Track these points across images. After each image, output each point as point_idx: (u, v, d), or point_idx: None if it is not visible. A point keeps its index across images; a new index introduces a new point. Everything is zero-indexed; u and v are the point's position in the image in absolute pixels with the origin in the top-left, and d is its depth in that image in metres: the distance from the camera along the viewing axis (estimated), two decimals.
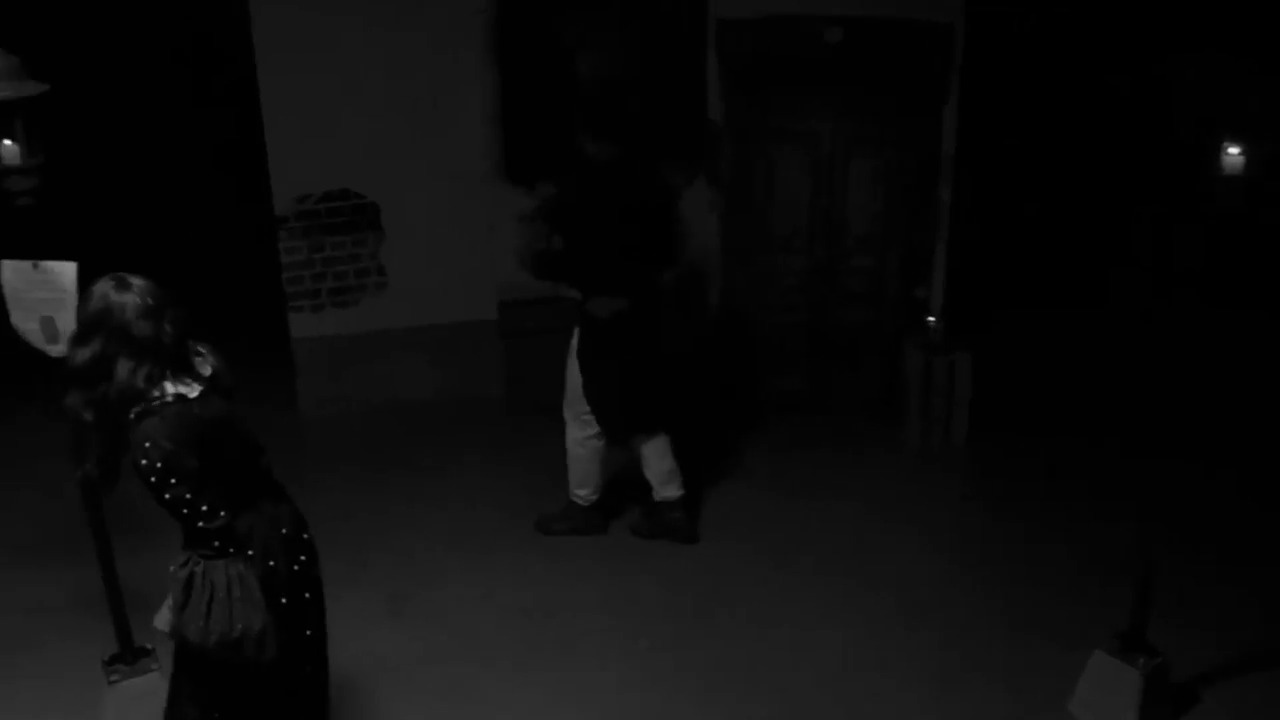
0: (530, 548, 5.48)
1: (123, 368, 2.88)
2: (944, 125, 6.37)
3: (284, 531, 3.21)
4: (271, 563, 3.15)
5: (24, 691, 4.43)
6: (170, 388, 2.94)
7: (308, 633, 3.29)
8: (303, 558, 3.26)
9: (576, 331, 5.23)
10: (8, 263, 3.52)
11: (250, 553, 3.10)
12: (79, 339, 2.94)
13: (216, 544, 2.99)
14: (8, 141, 3.47)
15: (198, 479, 2.92)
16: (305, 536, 3.29)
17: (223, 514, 2.97)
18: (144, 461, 2.88)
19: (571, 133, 5.16)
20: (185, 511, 2.93)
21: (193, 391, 2.98)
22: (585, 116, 5.22)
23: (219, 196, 7.68)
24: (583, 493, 5.54)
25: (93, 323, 2.91)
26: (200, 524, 2.95)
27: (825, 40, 6.24)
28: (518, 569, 5.31)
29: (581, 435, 5.38)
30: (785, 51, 6.29)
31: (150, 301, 2.92)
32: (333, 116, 6.28)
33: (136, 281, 2.96)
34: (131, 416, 2.90)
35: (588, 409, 5.28)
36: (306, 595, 3.27)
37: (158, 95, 7.65)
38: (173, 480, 2.88)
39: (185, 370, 3.00)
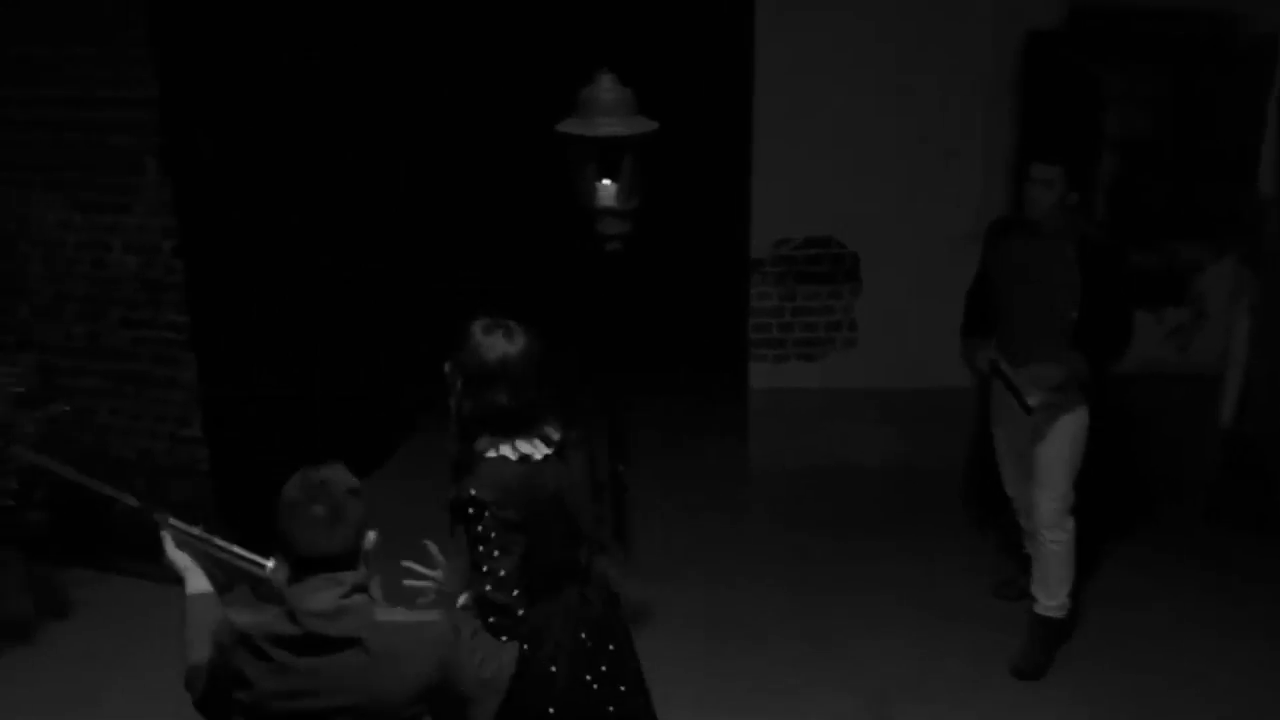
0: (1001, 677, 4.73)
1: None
2: None
3: (582, 636, 2.88)
4: (553, 668, 2.84)
5: None
6: (519, 446, 2.77)
7: None
8: (603, 669, 2.90)
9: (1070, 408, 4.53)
10: None
11: (543, 645, 2.84)
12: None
13: (492, 619, 2.68)
14: (606, 181, 3.23)
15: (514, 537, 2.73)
16: (611, 648, 2.93)
17: (515, 592, 2.71)
18: (471, 504, 2.72)
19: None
20: (480, 551, 2.71)
21: (539, 453, 2.79)
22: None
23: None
24: (1063, 601, 4.80)
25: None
26: (487, 585, 2.70)
27: None
28: (996, 699, 4.63)
29: (1070, 525, 4.64)
30: None
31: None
32: (826, 159, 5.92)
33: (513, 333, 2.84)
34: (484, 455, 2.77)
35: (1073, 499, 4.60)
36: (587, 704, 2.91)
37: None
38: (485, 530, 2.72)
39: (530, 430, 2.80)
